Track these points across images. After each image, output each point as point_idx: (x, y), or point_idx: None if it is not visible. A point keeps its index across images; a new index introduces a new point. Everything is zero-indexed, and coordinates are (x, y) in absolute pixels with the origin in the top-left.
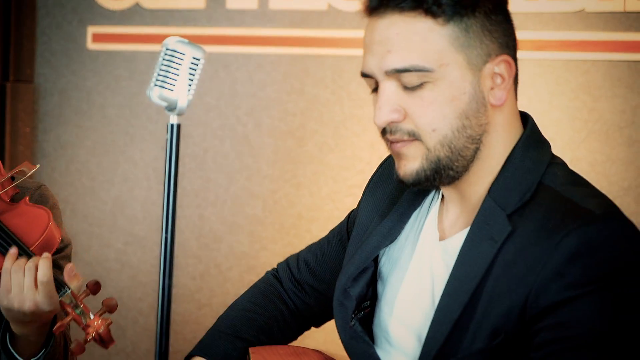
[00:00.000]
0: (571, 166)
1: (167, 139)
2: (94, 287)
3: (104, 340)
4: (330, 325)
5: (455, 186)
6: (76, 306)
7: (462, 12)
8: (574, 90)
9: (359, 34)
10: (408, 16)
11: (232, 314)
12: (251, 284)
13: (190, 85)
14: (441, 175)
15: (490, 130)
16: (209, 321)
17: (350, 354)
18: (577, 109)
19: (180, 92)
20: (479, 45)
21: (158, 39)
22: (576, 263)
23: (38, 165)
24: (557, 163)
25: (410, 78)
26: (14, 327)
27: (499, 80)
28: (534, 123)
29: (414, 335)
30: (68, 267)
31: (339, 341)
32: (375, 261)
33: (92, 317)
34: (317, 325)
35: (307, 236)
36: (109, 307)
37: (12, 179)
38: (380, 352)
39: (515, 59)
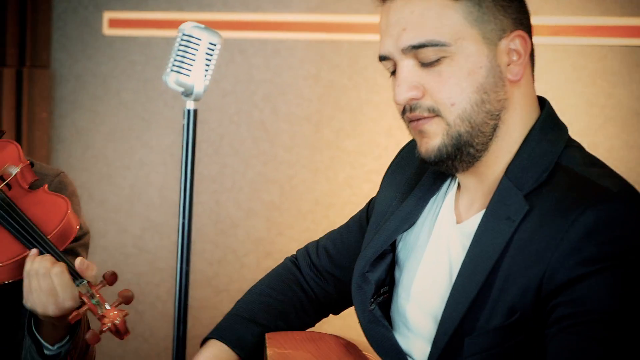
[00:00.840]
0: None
1: (183, 125)
2: (111, 278)
3: (119, 331)
4: (348, 311)
5: (472, 170)
6: (92, 296)
7: None
8: (591, 75)
9: (376, 19)
10: None
11: (250, 298)
12: (268, 269)
13: (206, 70)
14: (462, 152)
15: (509, 107)
16: (226, 307)
17: (368, 338)
18: (594, 94)
19: (197, 77)
20: (493, 20)
21: (174, 24)
22: (592, 240)
23: (29, 160)
24: (574, 145)
25: (427, 54)
26: (42, 318)
27: (515, 56)
28: (551, 106)
29: (432, 319)
30: (78, 261)
31: (357, 327)
32: (393, 247)
33: (108, 307)
34: (336, 312)
35: (324, 222)
36: (125, 299)
37: (32, 165)
38: (398, 337)
39: (530, 36)
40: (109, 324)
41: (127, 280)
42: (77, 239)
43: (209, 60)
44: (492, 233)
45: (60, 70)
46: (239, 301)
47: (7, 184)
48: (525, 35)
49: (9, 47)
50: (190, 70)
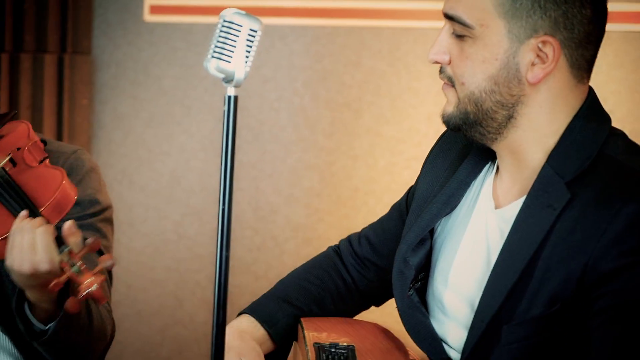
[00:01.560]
0: (631, 139)
1: (224, 111)
2: (93, 244)
3: (94, 298)
4: (388, 301)
5: (511, 156)
6: (73, 265)
7: None
8: (634, 62)
9: (417, 5)
10: None
11: (287, 280)
12: (307, 256)
13: (247, 57)
14: (471, 128)
15: (529, 103)
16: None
17: (405, 324)
18: (637, 81)
19: (238, 64)
20: (525, 18)
21: (215, 10)
22: (635, 231)
23: (40, 137)
24: (617, 134)
25: (456, 27)
26: (27, 294)
27: (539, 59)
28: (595, 95)
29: (468, 304)
30: (67, 224)
31: (394, 314)
32: (431, 232)
33: (87, 274)
34: (378, 304)
35: (363, 208)
36: (107, 266)
37: (43, 142)
38: (434, 322)
39: (570, 45)
40: (85, 292)
41: (166, 267)
42: (96, 213)
43: (250, 46)
44: (533, 220)
45: (101, 57)
46: (277, 282)
47: (12, 162)
48: (557, 43)
49: (50, 34)
50: (231, 57)
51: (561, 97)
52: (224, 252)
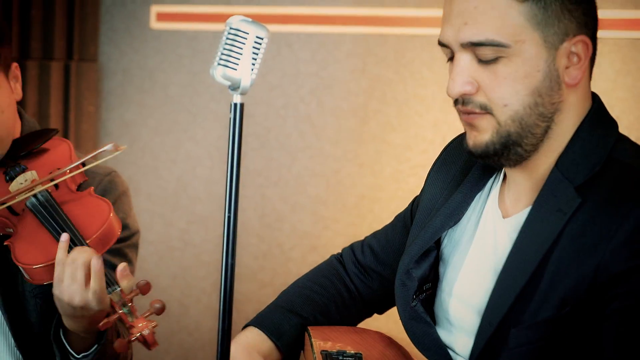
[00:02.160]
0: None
1: (230, 118)
2: (144, 288)
3: (147, 343)
4: (392, 309)
5: (521, 166)
6: (124, 305)
7: None
8: None
9: (423, 13)
10: None
11: (291, 290)
12: (313, 263)
13: (253, 64)
14: (509, 151)
15: (563, 109)
16: (271, 300)
17: (409, 334)
18: None
19: (244, 71)
20: (557, 24)
21: (221, 18)
22: None
23: (125, 147)
24: (625, 139)
25: (485, 52)
26: (65, 322)
27: (575, 59)
28: (601, 101)
29: (476, 313)
30: (121, 267)
31: (399, 322)
32: (438, 244)
33: (138, 317)
34: (380, 312)
35: (369, 216)
36: (156, 310)
37: (83, 164)
38: (441, 332)
39: (594, 39)
40: (137, 335)
41: (172, 274)
42: (124, 239)
43: (256, 54)
44: (542, 224)
45: (107, 64)
46: (281, 293)
47: (55, 185)
48: (588, 40)
49: (57, 41)
50: (237, 64)
51: (585, 97)
52: (229, 260)
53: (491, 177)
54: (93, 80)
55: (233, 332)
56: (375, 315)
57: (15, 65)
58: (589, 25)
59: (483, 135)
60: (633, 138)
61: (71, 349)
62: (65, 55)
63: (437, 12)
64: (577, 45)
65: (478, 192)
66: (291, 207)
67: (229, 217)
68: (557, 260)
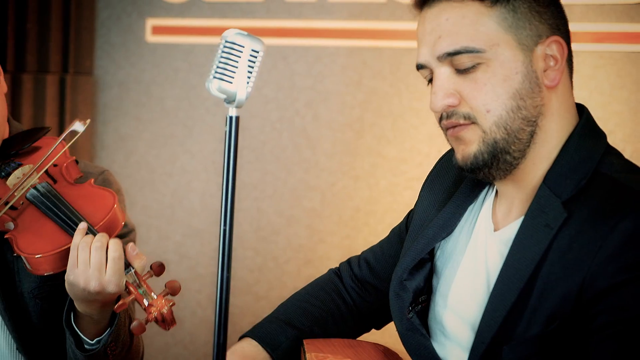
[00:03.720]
0: (633, 159)
1: (225, 132)
2: (158, 269)
3: (165, 321)
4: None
5: (511, 178)
6: (139, 286)
7: None
8: (636, 82)
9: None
10: (456, 2)
11: (289, 303)
12: (309, 276)
13: (249, 77)
14: (498, 159)
15: (546, 113)
16: (267, 313)
17: (406, 346)
18: (639, 101)
19: (239, 84)
20: (528, 26)
21: (217, 31)
22: (631, 246)
23: (89, 120)
24: (613, 152)
25: (462, 60)
26: (77, 306)
27: (551, 62)
28: (589, 114)
29: (469, 326)
30: (129, 246)
31: (396, 334)
32: (432, 255)
33: (155, 297)
34: (378, 327)
35: (365, 229)
36: (172, 289)
37: (77, 162)
38: (435, 345)
39: (567, 42)
40: (155, 313)
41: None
42: (123, 235)
43: (252, 67)
44: (531, 240)
45: (103, 77)
46: (279, 306)
47: (52, 178)
48: (562, 40)
49: (52, 54)
50: (232, 77)
51: (566, 102)
52: (225, 273)
53: (483, 189)
54: (89, 94)
55: (228, 345)
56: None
57: None
58: (560, 27)
59: (470, 147)
60: (629, 151)
61: (84, 335)
62: (61, 68)
63: None
64: (551, 46)
65: (470, 203)
66: (286, 220)
67: (224, 230)
68: (545, 276)
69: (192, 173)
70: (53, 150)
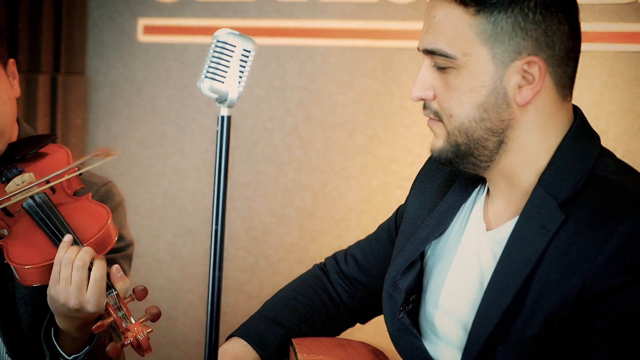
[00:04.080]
0: (624, 159)
1: (217, 131)
2: (141, 293)
3: (141, 347)
4: (378, 318)
5: (502, 178)
6: (119, 309)
7: (493, 7)
8: (628, 82)
9: (409, 25)
10: (446, 1)
11: (275, 300)
12: None
13: (240, 77)
14: (462, 160)
15: (517, 126)
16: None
17: (397, 346)
18: (631, 101)
19: (231, 84)
20: (507, 42)
21: (209, 31)
22: (631, 248)
23: (119, 152)
24: (607, 154)
25: (438, 60)
26: (57, 320)
27: (530, 78)
28: (583, 115)
29: (460, 326)
30: (114, 269)
31: (386, 334)
32: (422, 255)
33: (133, 322)
34: (363, 321)
35: (356, 229)
36: (152, 316)
37: (78, 168)
38: (427, 344)
39: (557, 62)
40: (132, 339)
41: (159, 286)
42: (119, 249)
43: (243, 66)
44: (527, 241)
45: (95, 77)
46: (265, 302)
47: (51, 188)
48: (542, 62)
49: (44, 54)
50: (224, 77)
51: (549, 117)
52: (216, 272)
53: (475, 188)
54: (80, 93)
55: (220, 345)
56: (362, 326)
57: (12, 61)
58: (550, 45)
59: (438, 141)
60: (620, 151)
61: (62, 349)
62: (53, 68)
63: (416, 26)
64: (530, 65)
65: (463, 202)
66: (278, 219)
67: (216, 230)
68: (542, 278)
69: (184, 173)
70: (64, 173)
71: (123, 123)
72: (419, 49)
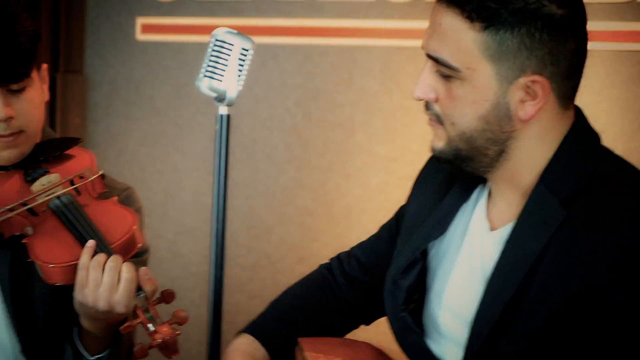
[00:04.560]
0: (624, 157)
1: (216, 130)
2: (169, 297)
3: (169, 349)
4: (381, 319)
5: (504, 179)
6: (147, 310)
7: (499, 25)
8: (625, 81)
9: (408, 24)
10: (453, 11)
11: (282, 299)
12: (302, 275)
13: (239, 76)
14: (462, 162)
15: (519, 137)
16: (260, 311)
17: (401, 344)
18: (629, 100)
19: (230, 82)
20: (512, 60)
21: (207, 29)
22: (633, 245)
23: (101, 172)
24: (607, 153)
25: (441, 68)
26: (83, 323)
27: (529, 97)
28: (583, 115)
29: (465, 325)
30: (142, 270)
31: (388, 333)
32: (424, 254)
33: (161, 324)
34: (367, 322)
35: (357, 227)
36: (179, 319)
37: (103, 177)
38: (430, 342)
39: (561, 78)
40: (160, 340)
41: (160, 285)
42: (137, 254)
43: (242, 65)
44: (528, 237)
45: (93, 76)
46: (273, 301)
47: (76, 189)
48: (545, 81)
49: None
50: (223, 76)
51: (551, 127)
52: (217, 271)
53: (476, 188)
54: (79, 92)
55: (222, 344)
56: (365, 326)
57: (45, 66)
58: (554, 63)
59: (438, 142)
60: (619, 149)
61: (85, 350)
62: (51, 67)
63: (423, 24)
64: (534, 83)
65: (463, 203)
66: (279, 218)
67: (217, 229)
68: (545, 274)
69: (183, 171)
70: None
71: (122, 122)
72: (422, 48)
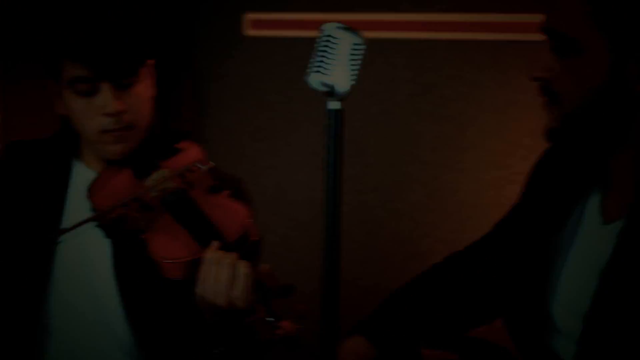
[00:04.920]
0: None
1: (327, 125)
2: (288, 291)
3: (292, 343)
4: None
5: (619, 164)
6: (267, 305)
7: None
8: None
9: (515, 18)
10: None
11: (395, 298)
12: (414, 270)
13: (350, 70)
14: (580, 143)
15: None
16: (372, 307)
17: (514, 340)
18: None
19: (340, 77)
20: (627, 33)
21: (316, 24)
22: None
23: (212, 164)
24: None
25: (558, 44)
26: (206, 317)
27: None
28: None
29: (579, 319)
30: (266, 267)
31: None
32: (539, 249)
33: (281, 318)
34: (488, 322)
35: (469, 223)
36: (299, 313)
37: (213, 170)
38: (546, 337)
39: None
40: (282, 335)
41: None
42: (252, 247)
43: (352, 60)
44: None
45: (204, 72)
46: (386, 299)
47: (188, 183)
48: None
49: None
50: (332, 71)
51: None
52: (331, 266)
53: (590, 182)
54: (190, 88)
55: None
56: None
57: (151, 62)
58: None
59: (555, 122)
60: None
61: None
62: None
63: (532, 18)
64: None
65: (577, 195)
66: (390, 213)
67: (329, 223)
68: None
69: (295, 166)
70: (191, 165)
71: (232, 117)
72: (540, 27)
